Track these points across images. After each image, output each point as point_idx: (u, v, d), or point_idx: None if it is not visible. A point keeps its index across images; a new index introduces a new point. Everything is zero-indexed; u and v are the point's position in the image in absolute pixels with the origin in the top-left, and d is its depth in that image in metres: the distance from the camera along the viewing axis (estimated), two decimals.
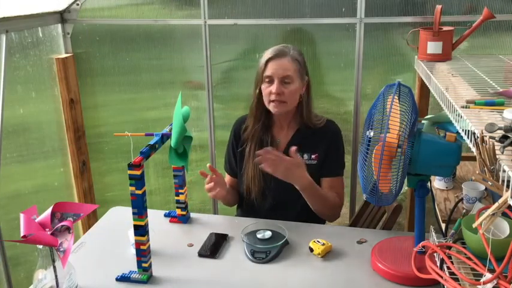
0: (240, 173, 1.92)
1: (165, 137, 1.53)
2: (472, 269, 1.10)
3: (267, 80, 1.75)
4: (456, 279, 1.06)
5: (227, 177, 2.00)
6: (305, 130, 1.83)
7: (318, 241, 1.54)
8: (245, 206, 1.94)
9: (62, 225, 1.29)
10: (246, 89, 2.20)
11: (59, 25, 2.49)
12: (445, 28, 1.93)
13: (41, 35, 2.38)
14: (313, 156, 1.82)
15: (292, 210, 1.82)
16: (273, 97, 1.74)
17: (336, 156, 1.85)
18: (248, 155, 1.86)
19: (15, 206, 2.25)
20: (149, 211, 1.42)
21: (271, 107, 1.77)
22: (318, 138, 1.82)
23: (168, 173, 2.67)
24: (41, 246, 1.26)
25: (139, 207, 1.36)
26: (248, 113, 1.88)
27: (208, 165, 1.76)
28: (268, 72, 1.74)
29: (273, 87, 1.73)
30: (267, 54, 1.77)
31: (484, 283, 0.99)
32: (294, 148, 1.66)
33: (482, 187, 1.58)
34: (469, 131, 1.04)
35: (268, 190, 1.85)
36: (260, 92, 1.79)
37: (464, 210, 1.54)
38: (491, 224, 0.92)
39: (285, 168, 1.65)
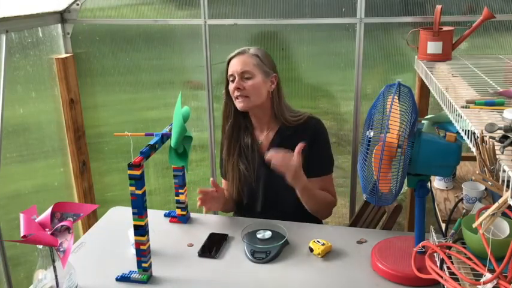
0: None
1: (165, 137, 1.53)
2: (472, 269, 1.10)
3: (231, 79, 1.80)
4: (456, 279, 1.06)
5: (223, 183, 2.00)
6: (286, 130, 1.83)
7: (318, 241, 1.54)
8: (238, 211, 1.95)
9: (62, 225, 1.29)
10: None
11: (59, 25, 2.49)
12: (445, 28, 1.93)
13: (41, 35, 2.38)
14: None
15: (285, 210, 1.81)
16: (235, 93, 1.77)
17: (321, 154, 1.84)
18: (228, 158, 1.88)
19: (15, 206, 2.25)
20: (149, 211, 1.42)
21: (236, 103, 1.79)
22: (299, 137, 1.81)
23: (168, 173, 2.67)
24: (41, 246, 1.26)
25: (139, 207, 1.36)
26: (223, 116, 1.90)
27: (211, 180, 1.78)
28: (229, 71, 1.80)
29: (234, 84, 1.77)
30: (228, 56, 1.82)
31: (484, 283, 0.99)
32: (302, 145, 1.65)
33: (482, 187, 1.58)
34: (469, 131, 1.04)
35: (256, 190, 1.86)
36: (227, 94, 1.83)
37: (464, 210, 1.54)
38: (491, 224, 0.92)
39: (294, 169, 1.63)
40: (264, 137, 1.87)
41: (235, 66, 1.78)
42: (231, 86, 1.79)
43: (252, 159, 1.84)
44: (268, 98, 1.81)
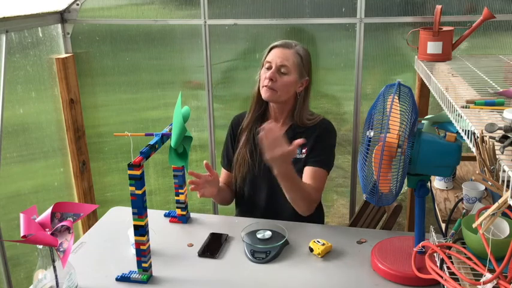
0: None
1: (165, 137, 1.53)
2: (472, 269, 1.10)
3: (266, 65, 1.80)
4: (456, 279, 1.06)
5: (223, 173, 2.00)
6: (298, 127, 1.84)
7: (318, 241, 1.54)
8: (241, 203, 1.95)
9: (62, 225, 1.29)
10: (246, 88, 2.20)
11: (59, 25, 2.49)
12: (445, 28, 1.93)
13: (41, 35, 2.38)
14: (303, 150, 1.82)
15: (288, 205, 1.80)
16: (265, 82, 1.77)
17: (322, 148, 1.82)
18: (243, 143, 1.88)
19: (15, 206, 2.25)
20: (149, 211, 1.42)
21: (262, 91, 1.80)
22: (309, 134, 1.82)
23: (168, 173, 2.67)
24: (41, 246, 1.26)
25: (139, 207, 1.36)
26: (252, 99, 1.89)
27: (205, 162, 1.73)
28: (269, 58, 1.80)
29: (268, 73, 1.77)
30: (274, 43, 1.82)
31: (484, 283, 0.99)
32: (299, 141, 1.54)
33: (482, 187, 1.58)
34: (469, 131, 1.04)
35: (260, 178, 1.85)
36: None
37: (464, 210, 1.54)
38: (491, 224, 0.92)
39: (280, 156, 1.52)
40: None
41: (276, 57, 1.78)
42: (265, 73, 1.79)
43: (260, 149, 1.85)
44: (293, 98, 1.83)
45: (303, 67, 1.80)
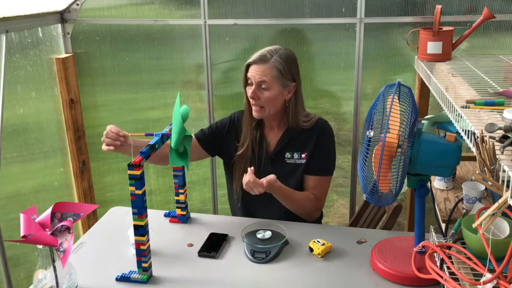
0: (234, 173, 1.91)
1: (165, 137, 1.53)
2: (472, 269, 1.10)
3: (248, 81, 1.78)
4: (456, 279, 1.06)
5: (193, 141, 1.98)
6: (294, 130, 1.83)
7: (318, 241, 1.54)
8: (241, 208, 1.94)
9: (62, 225, 1.29)
10: None
11: (59, 25, 2.49)
12: (445, 28, 1.93)
13: (41, 35, 2.38)
14: (302, 155, 1.81)
15: (287, 211, 1.81)
16: (251, 101, 1.77)
17: (322, 154, 1.82)
18: (241, 154, 1.86)
19: (15, 206, 2.25)
20: (149, 211, 1.42)
21: (253, 110, 1.79)
22: (306, 137, 1.82)
23: (168, 173, 2.67)
24: (41, 246, 1.26)
25: (140, 207, 1.36)
26: (244, 112, 1.88)
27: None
28: (248, 75, 1.77)
29: (250, 91, 1.76)
30: (251, 57, 1.78)
31: (484, 283, 0.99)
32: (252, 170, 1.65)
33: (482, 187, 1.58)
34: (469, 131, 1.04)
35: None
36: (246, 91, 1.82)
37: (464, 210, 1.54)
38: (491, 224, 0.92)
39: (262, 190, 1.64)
40: (273, 135, 1.87)
41: (253, 74, 1.74)
42: (248, 90, 1.77)
43: (259, 155, 1.84)
44: (283, 105, 1.80)
45: (285, 77, 1.75)
